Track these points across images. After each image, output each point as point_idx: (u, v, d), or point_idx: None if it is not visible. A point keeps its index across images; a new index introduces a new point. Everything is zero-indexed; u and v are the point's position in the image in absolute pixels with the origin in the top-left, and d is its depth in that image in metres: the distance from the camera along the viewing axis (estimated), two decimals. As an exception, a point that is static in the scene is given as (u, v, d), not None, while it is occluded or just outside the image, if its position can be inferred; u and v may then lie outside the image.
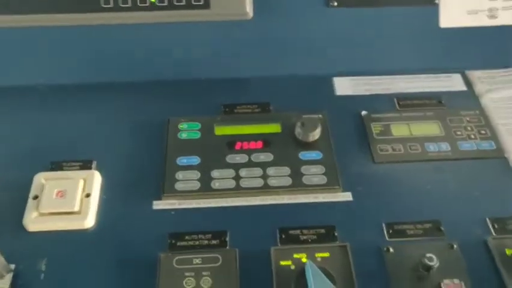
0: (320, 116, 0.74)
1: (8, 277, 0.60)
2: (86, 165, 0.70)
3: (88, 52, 0.79)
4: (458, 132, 0.72)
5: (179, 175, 0.68)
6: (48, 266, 0.61)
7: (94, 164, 0.70)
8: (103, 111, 0.77)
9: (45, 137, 0.73)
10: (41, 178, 0.68)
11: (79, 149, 0.72)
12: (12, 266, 0.61)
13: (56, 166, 0.70)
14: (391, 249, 0.61)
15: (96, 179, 0.68)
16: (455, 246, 0.61)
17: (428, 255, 0.58)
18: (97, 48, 0.79)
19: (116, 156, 0.71)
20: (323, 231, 0.63)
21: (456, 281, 0.57)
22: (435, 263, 0.57)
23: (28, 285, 0.60)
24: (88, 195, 0.66)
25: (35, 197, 0.66)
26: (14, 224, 0.65)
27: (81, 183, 0.67)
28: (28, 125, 0.75)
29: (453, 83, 0.79)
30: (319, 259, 0.60)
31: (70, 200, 0.65)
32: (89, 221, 0.65)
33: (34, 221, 0.64)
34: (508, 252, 0.60)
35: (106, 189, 0.68)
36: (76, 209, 0.65)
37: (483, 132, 0.72)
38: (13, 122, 0.76)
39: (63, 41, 0.78)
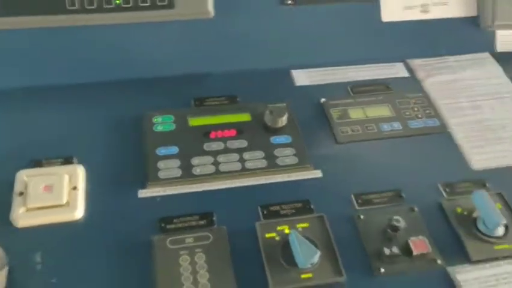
0: (285, 104, 0.80)
1: (5, 270, 0.61)
2: (67, 161, 0.72)
3: (58, 54, 0.81)
4: (407, 113, 0.81)
5: (161, 164, 0.72)
6: (42, 259, 0.63)
7: (75, 160, 0.72)
8: (78, 110, 0.79)
9: (24, 136, 0.75)
10: (23, 175, 0.69)
11: (58, 146, 0.74)
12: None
13: (37, 164, 0.71)
14: (362, 216, 0.68)
15: (80, 172, 0.70)
16: (415, 209, 0.69)
17: (395, 217, 0.66)
18: (66, 50, 0.81)
19: (95, 151, 0.74)
20: (300, 205, 0.69)
21: (420, 237, 0.65)
22: (401, 224, 0.65)
23: (24, 278, 0.62)
24: (74, 188, 0.69)
25: (21, 194, 0.67)
26: (1, 221, 0.66)
27: (66, 177, 0.69)
28: (5, 125, 0.76)
29: (397, 70, 0.89)
30: (300, 229, 0.66)
31: (58, 193, 0.67)
32: (79, 212, 0.67)
33: (23, 217, 0.66)
34: (458, 210, 0.69)
35: (90, 182, 0.70)
36: (65, 201, 0.67)
37: (428, 111, 0.82)
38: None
39: (34, 43, 0.80)
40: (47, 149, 0.73)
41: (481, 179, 0.73)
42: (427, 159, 0.76)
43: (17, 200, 0.67)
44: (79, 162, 0.72)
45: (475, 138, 0.78)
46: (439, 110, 0.82)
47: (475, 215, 0.68)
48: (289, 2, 0.86)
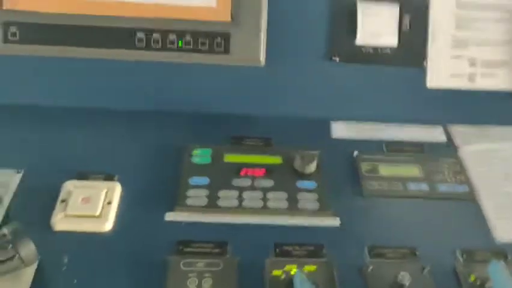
0: (317, 152, 0.84)
1: (34, 266, 0.68)
2: (109, 178, 0.79)
3: (121, 82, 0.90)
4: (437, 176, 0.82)
5: (191, 192, 0.78)
6: (69, 260, 0.70)
7: (116, 177, 0.79)
8: (128, 134, 0.87)
9: (77, 152, 0.83)
10: (69, 185, 0.77)
11: (104, 164, 0.81)
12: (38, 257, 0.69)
13: (83, 176, 0.79)
14: (370, 268, 0.69)
15: (117, 189, 0.77)
16: (427, 269, 0.69)
17: (402, 273, 0.66)
18: (128, 80, 0.90)
19: (136, 173, 0.81)
20: (312, 248, 0.71)
21: (424, 297, 0.65)
22: (407, 281, 0.66)
23: (51, 276, 0.68)
24: (109, 203, 0.75)
25: (63, 201, 0.75)
26: (43, 223, 0.73)
27: (104, 192, 0.76)
28: (63, 140, 0.85)
29: (436, 134, 0.90)
30: (307, 271, 0.68)
31: (93, 206, 0.74)
32: (108, 225, 0.73)
33: (60, 221, 0.73)
34: (472, 278, 0.68)
35: (125, 199, 0.77)
36: (98, 213, 0.74)
37: (459, 177, 0.82)
38: (50, 138, 0.86)
39: (102, 71, 0.90)
40: (94, 165, 0.81)
41: (503, 251, 0.72)
42: (449, 224, 0.76)
43: (59, 206, 0.75)
44: (119, 180, 0.79)
45: (504, 209, 0.77)
46: (471, 177, 0.82)
47: (488, 285, 0.67)
48: (336, 58, 0.91)
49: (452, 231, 0.75)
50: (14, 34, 0.88)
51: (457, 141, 0.88)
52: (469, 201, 0.79)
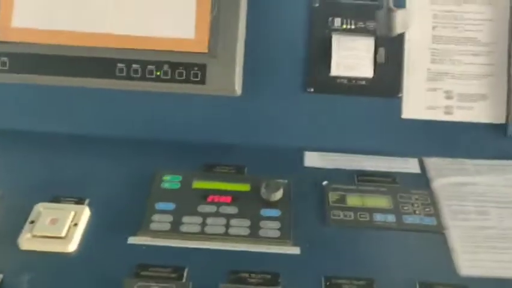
0: (286, 181, 0.84)
1: (-6, 282, 0.70)
2: (79, 201, 0.81)
3: (101, 110, 0.94)
4: (405, 207, 0.81)
5: (156, 217, 0.79)
6: (31, 279, 0.71)
7: (86, 201, 0.81)
8: (105, 161, 0.90)
9: (53, 176, 0.86)
10: (40, 207, 0.80)
11: (78, 188, 0.84)
12: (0, 275, 0.71)
13: (55, 199, 0.81)
14: (324, 298, 0.69)
15: (85, 212, 0.79)
16: (381, 302, 0.68)
17: (352, 304, 0.65)
18: (108, 108, 0.94)
19: (107, 197, 0.83)
20: (268, 276, 0.71)
21: (374, 330, 0.64)
22: (357, 313, 0.65)
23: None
24: (75, 225, 0.77)
25: (32, 222, 0.78)
26: (11, 242, 0.75)
27: (72, 214, 0.78)
28: (41, 165, 0.88)
29: (410, 166, 0.89)
30: (260, 299, 0.68)
31: (60, 227, 0.76)
32: (73, 246, 0.75)
33: (27, 241, 0.75)
34: (428, 313, 0.67)
35: (92, 222, 0.79)
36: (63, 234, 0.76)
37: (427, 209, 0.81)
38: (29, 161, 0.89)
39: (83, 99, 0.94)
40: (68, 188, 0.84)
41: (465, 285, 0.70)
42: (412, 256, 0.75)
43: (27, 227, 0.77)
44: (89, 204, 0.81)
45: (470, 243, 0.76)
46: (440, 210, 0.80)
47: (443, 320, 0.65)
48: (311, 90, 0.93)
49: (414, 263, 0.74)
50: (4, 64, 0.93)
51: (431, 173, 0.87)
52: (436, 233, 0.78)
